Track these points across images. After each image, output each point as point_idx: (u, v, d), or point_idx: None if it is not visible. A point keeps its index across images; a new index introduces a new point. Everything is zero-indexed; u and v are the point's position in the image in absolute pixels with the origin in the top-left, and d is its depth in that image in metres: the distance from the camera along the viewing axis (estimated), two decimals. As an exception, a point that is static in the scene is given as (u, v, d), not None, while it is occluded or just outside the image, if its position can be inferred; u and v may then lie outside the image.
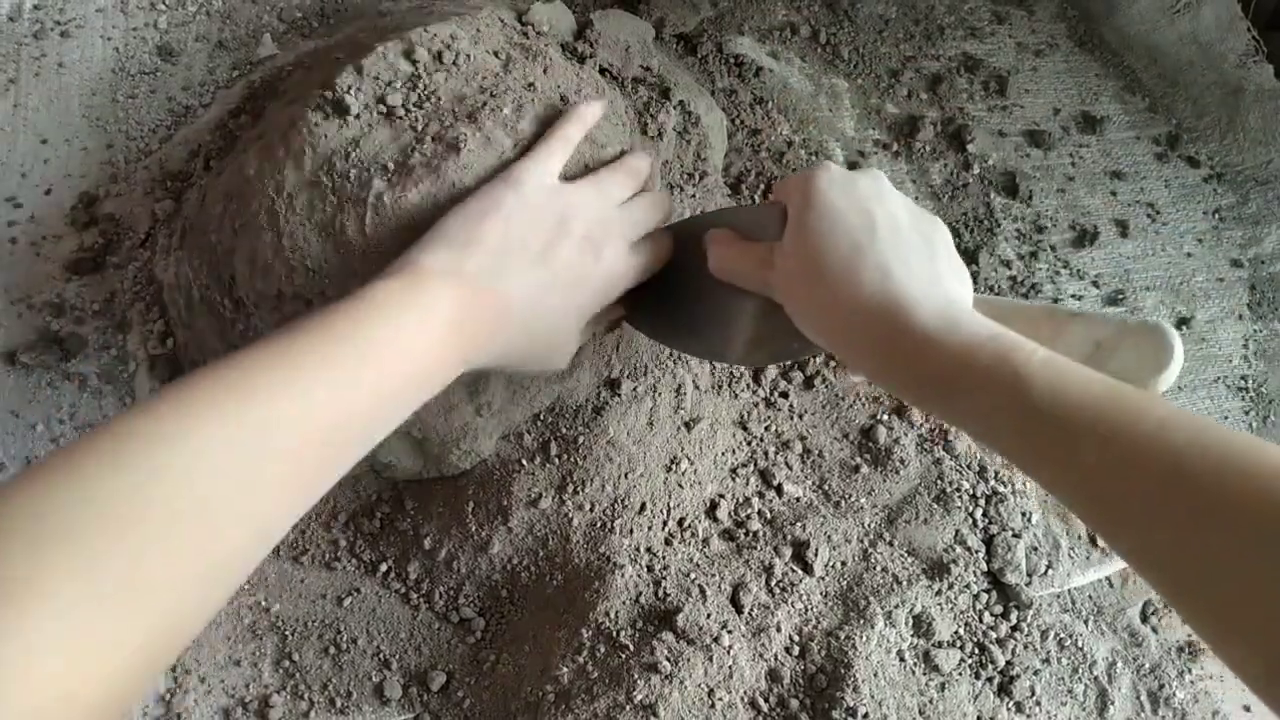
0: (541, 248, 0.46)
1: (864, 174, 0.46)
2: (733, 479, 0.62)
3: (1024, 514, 0.64)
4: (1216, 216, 0.80)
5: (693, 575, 0.57)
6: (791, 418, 0.66)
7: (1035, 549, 0.64)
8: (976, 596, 0.61)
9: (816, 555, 0.59)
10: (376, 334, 0.40)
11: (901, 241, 0.43)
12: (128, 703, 0.30)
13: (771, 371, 0.67)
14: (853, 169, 0.47)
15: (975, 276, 0.74)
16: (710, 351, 0.54)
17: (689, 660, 0.53)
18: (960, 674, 0.58)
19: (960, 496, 0.64)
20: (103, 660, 0.28)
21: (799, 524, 0.61)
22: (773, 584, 0.58)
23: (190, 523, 0.32)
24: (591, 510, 0.57)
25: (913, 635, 0.59)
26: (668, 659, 0.53)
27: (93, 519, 0.29)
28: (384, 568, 0.59)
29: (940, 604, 0.60)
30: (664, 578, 0.57)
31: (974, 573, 0.61)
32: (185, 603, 0.32)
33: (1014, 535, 0.63)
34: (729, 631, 0.55)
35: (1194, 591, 0.33)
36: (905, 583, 0.60)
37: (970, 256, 0.76)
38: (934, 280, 0.43)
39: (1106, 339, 0.44)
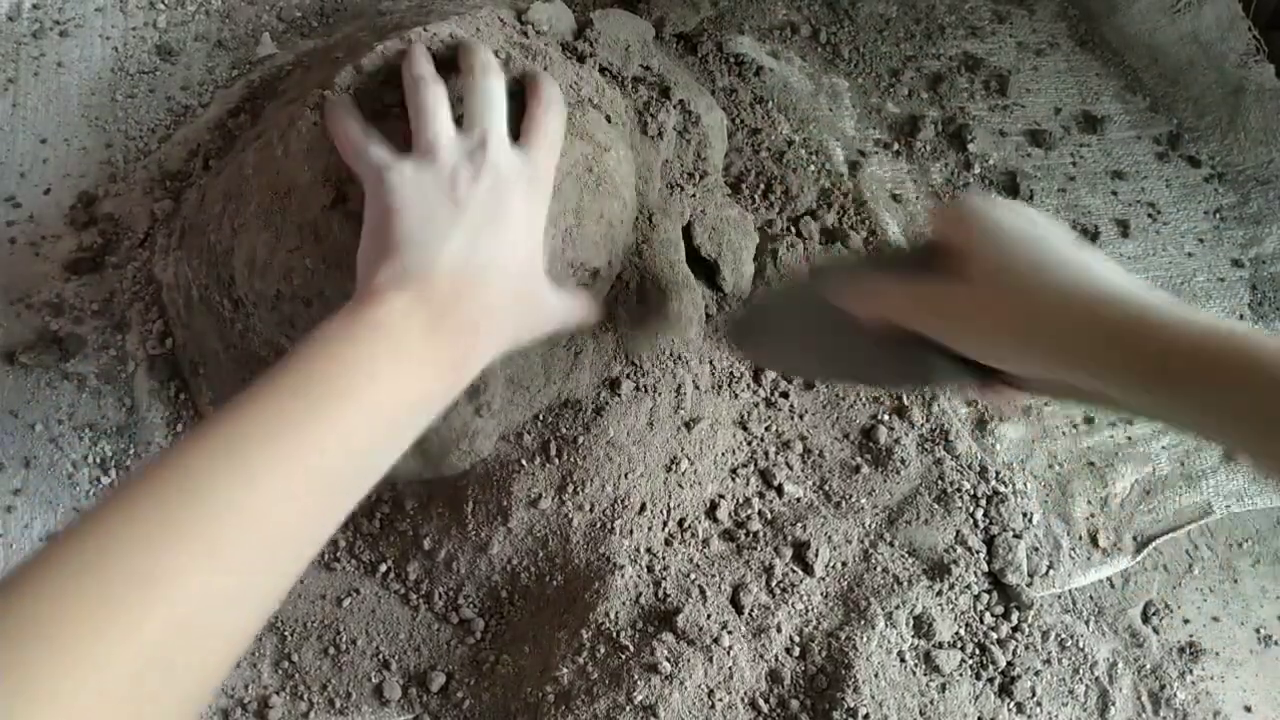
0: (447, 208, 0.45)
1: (1004, 201, 0.47)
2: (733, 479, 0.62)
3: (1025, 514, 0.64)
4: (1217, 216, 0.80)
5: (693, 576, 0.57)
6: (792, 418, 0.66)
7: (1036, 549, 0.64)
8: (977, 597, 0.61)
9: (817, 556, 0.59)
10: (333, 386, 0.38)
11: (1078, 246, 0.44)
12: None
13: (771, 371, 0.66)
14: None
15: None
16: (878, 382, 0.64)
17: (689, 661, 0.53)
18: (961, 675, 0.58)
19: (961, 497, 0.64)
20: None
21: (799, 524, 0.61)
22: (773, 584, 0.58)
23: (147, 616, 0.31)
24: (591, 510, 0.57)
25: (913, 636, 0.59)
26: (668, 659, 0.53)
27: (86, 614, 0.29)
28: (383, 568, 0.59)
29: (941, 604, 0.60)
30: (664, 578, 0.57)
31: (975, 573, 0.61)
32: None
33: (1015, 536, 0.63)
34: (729, 632, 0.55)
35: None
36: (906, 583, 0.60)
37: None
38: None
39: None
